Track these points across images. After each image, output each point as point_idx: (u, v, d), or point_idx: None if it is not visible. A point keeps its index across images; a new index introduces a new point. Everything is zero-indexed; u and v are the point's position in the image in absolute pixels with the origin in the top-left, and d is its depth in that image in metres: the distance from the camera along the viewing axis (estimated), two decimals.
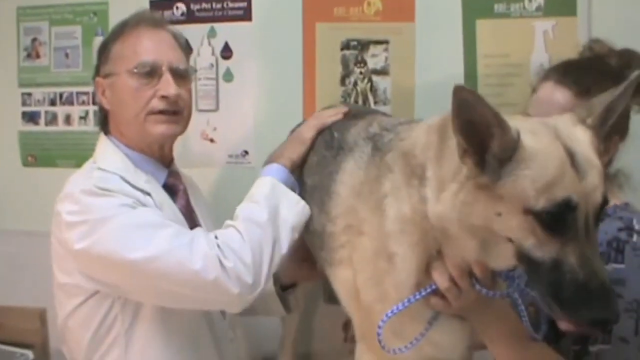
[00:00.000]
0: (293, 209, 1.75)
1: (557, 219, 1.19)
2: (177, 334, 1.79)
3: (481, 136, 1.21)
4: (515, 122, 1.23)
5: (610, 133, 1.71)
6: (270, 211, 1.71)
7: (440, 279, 1.40)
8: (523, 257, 1.24)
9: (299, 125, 2.03)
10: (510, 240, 1.24)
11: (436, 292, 1.42)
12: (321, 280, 2.00)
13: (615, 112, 1.35)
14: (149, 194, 1.78)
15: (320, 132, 1.87)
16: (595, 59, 1.80)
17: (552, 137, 1.23)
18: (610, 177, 1.75)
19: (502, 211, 1.22)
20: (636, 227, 1.62)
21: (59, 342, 1.93)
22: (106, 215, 1.65)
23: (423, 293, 1.42)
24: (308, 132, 1.87)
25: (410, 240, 1.40)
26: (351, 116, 1.85)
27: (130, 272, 1.63)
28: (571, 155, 1.22)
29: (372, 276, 1.49)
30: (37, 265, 2.02)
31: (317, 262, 1.79)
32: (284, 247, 1.71)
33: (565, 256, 1.20)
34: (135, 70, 1.80)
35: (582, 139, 1.28)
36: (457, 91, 1.17)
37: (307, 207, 1.76)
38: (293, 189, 1.80)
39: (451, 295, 1.40)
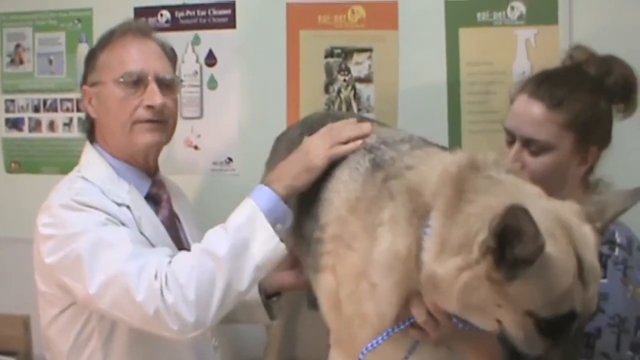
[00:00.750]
0: (264, 246, 1.60)
1: (557, 326, 1.21)
2: (157, 343, 1.73)
3: (511, 241, 1.17)
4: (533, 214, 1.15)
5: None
6: (235, 245, 1.58)
7: (418, 313, 1.39)
8: (506, 343, 1.27)
9: (285, 132, 2.03)
10: (498, 321, 1.25)
11: (415, 323, 1.41)
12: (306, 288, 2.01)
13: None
14: (128, 207, 1.79)
15: None
16: (572, 68, 1.81)
17: (567, 243, 1.21)
18: (591, 186, 1.77)
19: (503, 305, 1.22)
20: (617, 240, 1.63)
21: (43, 349, 1.93)
22: (75, 231, 1.65)
23: (402, 326, 1.42)
24: (319, 160, 1.64)
25: (395, 277, 1.37)
26: None
27: (90, 301, 1.63)
28: (580, 264, 1.21)
29: (353, 293, 1.47)
30: (21, 272, 2.01)
31: (304, 268, 1.78)
32: (244, 285, 1.59)
33: (551, 356, 1.23)
34: (121, 80, 1.80)
35: (590, 244, 1.26)
36: (512, 212, 1.12)
37: (282, 245, 1.62)
38: (284, 219, 1.66)
39: (429, 328, 1.39)
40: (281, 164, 1.72)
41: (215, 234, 1.63)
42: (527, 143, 1.70)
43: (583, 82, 1.74)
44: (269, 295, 2.04)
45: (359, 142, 1.64)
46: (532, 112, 1.71)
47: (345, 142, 1.65)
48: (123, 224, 1.72)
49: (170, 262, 1.59)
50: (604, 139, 1.76)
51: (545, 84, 1.74)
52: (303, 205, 1.70)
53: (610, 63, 1.77)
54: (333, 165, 1.64)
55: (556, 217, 1.24)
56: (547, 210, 1.25)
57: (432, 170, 1.41)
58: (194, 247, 1.65)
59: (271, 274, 1.84)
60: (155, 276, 1.55)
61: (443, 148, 1.60)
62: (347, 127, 1.69)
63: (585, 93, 1.71)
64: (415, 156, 1.50)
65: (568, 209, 1.29)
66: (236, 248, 1.58)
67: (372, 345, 1.42)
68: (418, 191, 1.38)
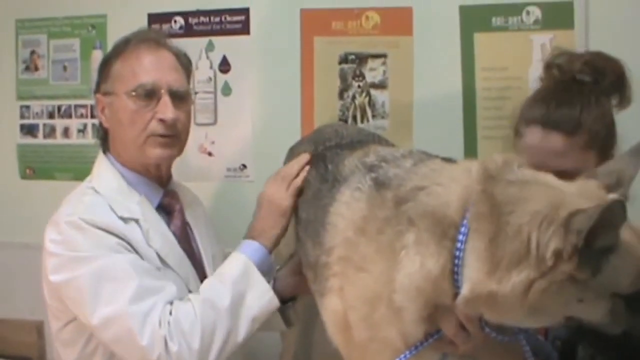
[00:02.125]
0: (260, 300, 1.71)
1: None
2: None
3: (597, 236, 1.16)
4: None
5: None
6: (234, 297, 1.68)
7: (448, 327, 1.36)
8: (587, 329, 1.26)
9: (298, 144, 2.03)
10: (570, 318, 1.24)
11: (442, 336, 1.39)
12: None
13: None
14: (136, 220, 1.79)
15: (315, 165, 1.79)
16: (570, 82, 1.75)
17: (629, 230, 1.22)
18: None
19: (585, 298, 1.21)
20: None
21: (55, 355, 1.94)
22: (81, 255, 1.68)
23: (430, 340, 1.39)
24: (285, 201, 1.78)
25: (424, 299, 1.33)
26: (344, 145, 1.78)
27: (91, 328, 1.67)
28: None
29: (367, 318, 1.44)
30: (35, 278, 2.00)
31: (313, 295, 1.73)
32: (241, 336, 1.69)
33: (637, 326, 1.22)
34: (133, 93, 1.81)
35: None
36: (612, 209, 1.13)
37: (275, 299, 1.74)
38: (269, 271, 1.79)
39: (460, 340, 1.37)
40: (256, 221, 1.83)
41: (214, 286, 1.72)
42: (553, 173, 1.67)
43: (587, 94, 1.69)
44: (284, 300, 2.02)
45: (307, 167, 1.77)
46: (552, 145, 1.66)
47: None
48: (129, 244, 1.74)
49: (173, 307, 1.65)
50: (615, 138, 1.73)
51: (556, 110, 1.68)
52: (308, 233, 1.69)
53: (600, 63, 1.73)
54: (335, 190, 1.62)
55: (593, 197, 1.25)
56: (585, 195, 1.25)
57: (449, 191, 1.37)
58: (195, 297, 1.69)
59: (286, 278, 1.87)
60: (160, 324, 1.61)
61: (445, 159, 1.55)
62: (291, 164, 1.82)
63: (593, 106, 1.67)
64: (422, 175, 1.46)
65: (593, 188, 1.29)
66: (235, 301, 1.68)
67: None
68: (442, 214, 1.33)
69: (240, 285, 1.70)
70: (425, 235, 1.33)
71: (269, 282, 1.77)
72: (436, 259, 1.31)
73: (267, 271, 1.78)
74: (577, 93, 1.71)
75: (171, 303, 1.67)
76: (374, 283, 1.42)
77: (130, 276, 1.65)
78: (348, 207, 1.53)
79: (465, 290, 1.27)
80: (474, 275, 1.26)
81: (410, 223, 1.36)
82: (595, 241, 1.15)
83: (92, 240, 1.69)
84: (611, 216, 1.13)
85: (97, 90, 1.93)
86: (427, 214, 1.35)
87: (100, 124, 1.94)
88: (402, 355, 1.39)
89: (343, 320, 1.50)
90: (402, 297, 1.35)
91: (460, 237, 1.29)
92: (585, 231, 1.13)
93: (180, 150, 1.93)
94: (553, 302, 1.21)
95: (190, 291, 1.82)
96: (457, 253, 1.29)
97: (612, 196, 1.26)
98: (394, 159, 1.56)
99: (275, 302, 1.74)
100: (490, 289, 1.23)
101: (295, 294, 2.02)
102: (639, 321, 1.21)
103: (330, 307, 1.54)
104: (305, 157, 1.81)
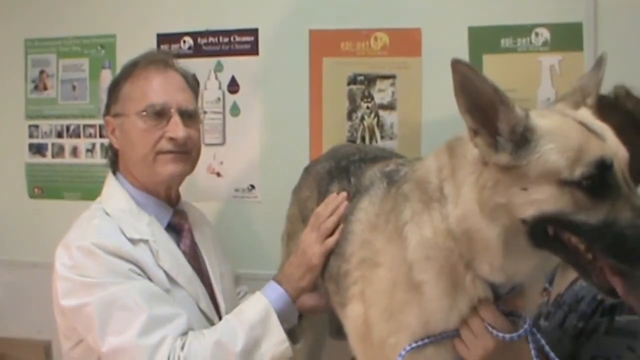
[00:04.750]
0: (274, 349, 1.72)
1: (598, 182, 1.20)
2: None
3: (485, 116, 1.25)
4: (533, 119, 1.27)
5: None
6: (248, 342, 1.69)
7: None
8: (567, 224, 1.23)
9: (314, 164, 2.03)
10: (524, 222, 1.25)
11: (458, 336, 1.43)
12: (328, 313, 1.99)
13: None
14: (146, 241, 1.80)
15: (337, 178, 1.84)
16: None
17: (561, 116, 1.28)
18: None
19: (528, 186, 1.23)
20: None
21: None
22: (91, 282, 1.68)
23: (445, 335, 1.42)
24: (316, 259, 1.77)
25: (436, 265, 1.39)
26: (368, 160, 1.83)
27: (100, 353, 1.67)
28: (585, 126, 1.25)
29: (387, 308, 1.47)
30: (42, 297, 2.01)
31: (333, 308, 1.77)
32: None
33: (618, 213, 1.19)
34: (144, 114, 1.82)
35: (587, 114, 1.32)
36: (455, 65, 1.21)
37: (290, 350, 1.74)
38: (290, 319, 1.81)
39: (468, 340, 1.40)
40: (288, 265, 1.86)
41: (231, 326, 1.72)
42: None
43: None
44: None
45: (341, 226, 1.72)
46: None
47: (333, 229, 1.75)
48: (140, 268, 1.74)
49: (186, 343, 1.65)
50: None
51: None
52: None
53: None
54: (356, 200, 1.68)
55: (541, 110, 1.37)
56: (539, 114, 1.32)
57: (429, 159, 1.49)
58: (210, 335, 1.69)
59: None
60: (169, 359, 1.62)
61: None
62: (329, 209, 1.78)
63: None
64: (419, 161, 1.57)
65: (559, 108, 1.36)
66: (248, 346, 1.68)
67: (417, 343, 1.42)
68: (425, 180, 1.45)
69: (257, 331, 1.71)
70: (419, 205, 1.43)
71: (287, 329, 1.77)
72: (430, 223, 1.39)
73: (288, 318, 1.80)
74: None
75: (182, 336, 1.67)
76: (389, 272, 1.48)
77: (141, 306, 1.65)
78: (365, 212, 1.61)
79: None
80: (451, 213, 1.36)
81: (406, 199, 1.47)
82: (486, 119, 1.25)
83: (103, 267, 1.70)
84: (461, 75, 1.22)
85: (107, 112, 1.94)
86: (415, 185, 1.48)
87: (111, 145, 1.95)
88: (421, 341, 1.42)
89: (364, 326, 1.54)
90: (417, 271, 1.41)
91: (446, 189, 1.38)
92: (459, 105, 1.25)
93: (192, 167, 1.94)
94: (499, 194, 1.26)
95: (201, 309, 1.85)
96: (446, 205, 1.37)
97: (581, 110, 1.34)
98: (409, 162, 1.65)
99: (289, 353, 1.74)
100: (458, 212, 1.34)
101: (302, 312, 2.02)
102: (618, 208, 1.20)
103: (352, 315, 1.58)
104: (342, 195, 1.77)
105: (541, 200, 1.22)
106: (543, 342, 1.42)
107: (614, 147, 1.24)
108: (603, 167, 1.20)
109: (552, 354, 1.41)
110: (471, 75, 1.22)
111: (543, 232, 1.25)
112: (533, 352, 1.42)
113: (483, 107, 1.25)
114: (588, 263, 1.25)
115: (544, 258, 1.32)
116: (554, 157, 1.21)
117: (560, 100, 1.41)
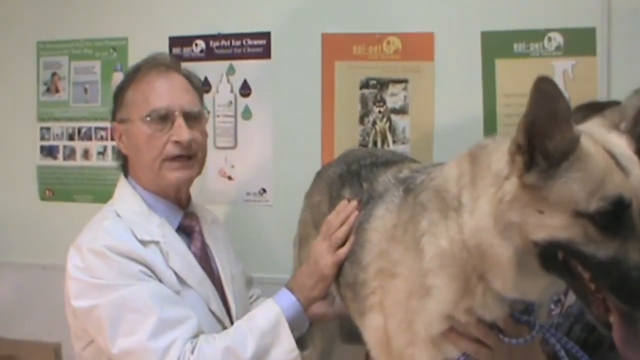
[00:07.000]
0: (284, 357, 1.73)
1: (612, 218, 1.17)
2: None
3: (542, 134, 1.19)
4: None
5: None
6: (258, 349, 1.70)
7: (466, 345, 1.40)
8: (575, 253, 1.21)
9: (326, 168, 2.03)
10: (535, 244, 1.23)
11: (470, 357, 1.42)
12: (338, 320, 1.98)
13: None
14: (157, 242, 1.81)
15: (349, 183, 1.83)
16: None
17: (592, 141, 1.23)
18: None
19: (545, 210, 1.21)
20: None
21: None
22: (103, 283, 1.69)
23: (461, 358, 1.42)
24: (327, 269, 1.77)
25: (449, 272, 1.38)
26: (380, 164, 1.82)
27: (110, 354, 1.68)
28: (612, 156, 1.21)
29: (403, 319, 1.47)
30: (52, 299, 2.02)
31: (351, 315, 1.75)
32: None
33: (626, 254, 1.17)
34: (148, 118, 1.83)
35: (618, 142, 1.27)
36: (539, 84, 1.15)
37: (299, 358, 1.76)
38: (301, 327, 1.83)
39: (484, 356, 1.40)
40: (300, 273, 1.86)
41: (242, 332, 1.73)
42: None
43: None
44: None
45: (352, 238, 1.72)
46: None
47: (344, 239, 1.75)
48: (150, 269, 1.75)
49: (196, 346, 1.66)
50: None
51: None
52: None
53: None
54: (370, 206, 1.67)
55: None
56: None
57: (449, 167, 1.46)
58: (221, 340, 1.70)
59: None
60: None
61: None
62: (340, 217, 1.77)
63: None
64: (438, 169, 1.53)
65: (592, 125, 1.31)
66: (258, 353, 1.69)
67: None
68: (444, 189, 1.42)
69: (268, 339, 1.72)
70: (436, 215, 1.41)
71: (297, 337, 1.78)
72: (446, 233, 1.38)
73: (299, 326, 1.81)
74: None
75: (193, 339, 1.67)
76: (406, 283, 1.47)
77: (151, 309, 1.66)
78: (382, 220, 1.59)
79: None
80: (466, 224, 1.34)
81: (424, 209, 1.45)
82: (538, 140, 1.19)
83: (115, 268, 1.70)
84: (543, 92, 1.14)
85: (113, 118, 1.95)
86: (433, 194, 1.45)
87: (119, 150, 1.96)
88: None
89: (385, 335, 1.53)
90: (430, 277, 1.40)
91: (464, 198, 1.36)
92: (525, 122, 1.18)
93: (199, 170, 1.94)
94: (514, 212, 1.24)
95: (211, 311, 1.86)
96: (463, 215, 1.35)
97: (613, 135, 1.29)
98: (424, 169, 1.63)
99: None
100: (473, 224, 1.31)
101: (310, 320, 2.02)
102: (627, 246, 1.17)
103: (372, 326, 1.57)
104: (352, 204, 1.77)
105: (554, 226, 1.20)
106: (554, 340, 1.42)
107: (636, 184, 1.20)
108: (620, 205, 1.17)
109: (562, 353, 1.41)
110: (553, 92, 1.15)
111: (553, 256, 1.24)
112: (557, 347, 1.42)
113: (542, 124, 1.19)
114: (590, 293, 1.23)
115: (556, 278, 1.31)
116: (576, 186, 1.18)
117: (600, 117, 1.36)
